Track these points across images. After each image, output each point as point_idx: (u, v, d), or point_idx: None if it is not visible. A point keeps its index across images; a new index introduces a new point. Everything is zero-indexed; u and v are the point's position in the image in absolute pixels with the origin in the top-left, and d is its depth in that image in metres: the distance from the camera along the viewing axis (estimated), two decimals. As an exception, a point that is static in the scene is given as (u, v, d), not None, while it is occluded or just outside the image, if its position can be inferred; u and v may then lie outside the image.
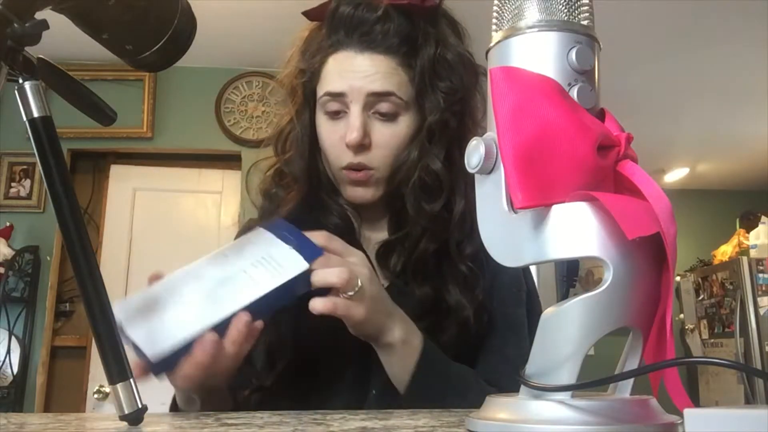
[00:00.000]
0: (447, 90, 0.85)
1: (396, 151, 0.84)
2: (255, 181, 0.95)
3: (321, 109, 0.86)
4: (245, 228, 0.96)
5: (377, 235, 0.90)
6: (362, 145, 0.82)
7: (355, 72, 0.82)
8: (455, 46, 0.87)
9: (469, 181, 0.85)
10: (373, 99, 0.82)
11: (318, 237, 0.71)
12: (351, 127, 0.82)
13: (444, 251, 0.84)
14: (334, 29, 0.84)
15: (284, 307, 0.69)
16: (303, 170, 0.87)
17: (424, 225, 0.84)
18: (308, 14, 0.88)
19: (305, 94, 0.89)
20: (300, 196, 0.87)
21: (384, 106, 0.82)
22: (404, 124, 0.84)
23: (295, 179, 0.88)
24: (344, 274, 0.68)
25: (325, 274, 0.68)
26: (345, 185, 0.86)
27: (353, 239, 0.89)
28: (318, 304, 0.67)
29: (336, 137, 0.84)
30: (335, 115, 0.84)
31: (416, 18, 0.84)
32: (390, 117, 0.83)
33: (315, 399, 0.79)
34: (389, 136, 0.83)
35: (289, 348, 0.83)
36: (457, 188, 0.85)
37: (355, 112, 0.82)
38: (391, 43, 0.83)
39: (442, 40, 0.86)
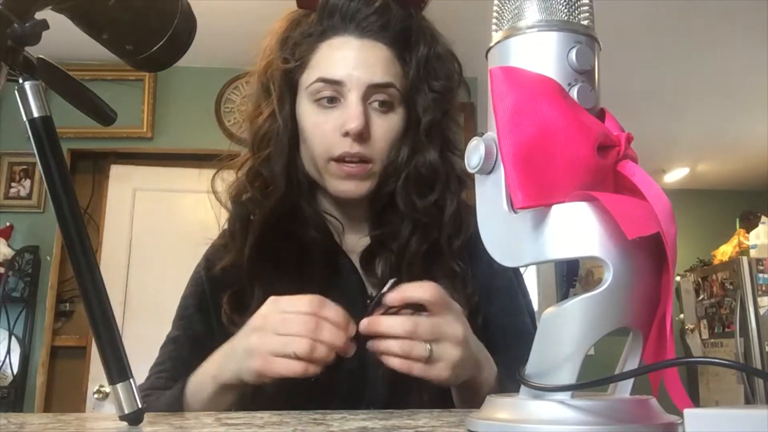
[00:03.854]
0: (441, 89, 0.84)
1: (391, 144, 0.82)
2: (220, 190, 0.91)
3: (309, 98, 0.82)
4: (219, 239, 0.92)
5: (362, 240, 0.87)
6: (361, 135, 0.79)
7: (356, 60, 0.80)
8: (443, 43, 0.86)
9: (460, 182, 0.84)
10: (372, 90, 0.80)
11: (424, 289, 0.67)
12: (351, 115, 0.78)
13: (434, 251, 0.82)
14: (327, 15, 0.82)
15: None
16: (282, 168, 0.82)
17: (414, 222, 0.81)
18: (300, 2, 0.85)
19: (287, 84, 0.84)
20: (276, 201, 0.82)
21: (381, 98, 0.81)
22: (398, 117, 0.82)
23: (272, 179, 0.83)
24: (407, 326, 0.64)
25: (388, 325, 0.65)
26: (334, 179, 0.81)
27: (335, 250, 0.86)
28: (395, 363, 0.65)
29: (328, 127, 0.80)
30: (329, 103, 0.80)
31: (411, 10, 0.83)
32: (386, 109, 0.81)
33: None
34: (386, 129, 0.81)
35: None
36: (449, 186, 0.83)
37: (354, 100, 0.79)
38: (390, 35, 0.81)
39: (433, 35, 0.85)
